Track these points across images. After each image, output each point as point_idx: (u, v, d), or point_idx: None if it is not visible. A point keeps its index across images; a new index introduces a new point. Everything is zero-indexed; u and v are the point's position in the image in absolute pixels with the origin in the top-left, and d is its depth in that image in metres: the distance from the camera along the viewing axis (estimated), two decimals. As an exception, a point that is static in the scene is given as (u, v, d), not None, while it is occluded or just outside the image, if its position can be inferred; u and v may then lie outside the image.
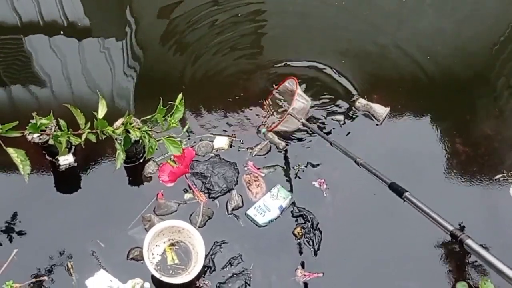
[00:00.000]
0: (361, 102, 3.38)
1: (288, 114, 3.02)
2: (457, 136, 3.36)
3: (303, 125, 3.10)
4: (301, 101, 3.10)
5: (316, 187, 3.03)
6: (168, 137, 1.74)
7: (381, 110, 3.33)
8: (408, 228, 2.90)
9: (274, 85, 3.44)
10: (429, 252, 2.89)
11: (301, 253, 2.80)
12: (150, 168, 3.00)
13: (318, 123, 3.30)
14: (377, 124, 3.33)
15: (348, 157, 2.46)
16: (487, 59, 3.86)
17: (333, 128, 3.30)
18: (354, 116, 3.36)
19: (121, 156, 1.65)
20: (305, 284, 2.71)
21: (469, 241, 1.52)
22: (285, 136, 3.21)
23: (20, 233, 2.75)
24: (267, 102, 3.39)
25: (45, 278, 1.69)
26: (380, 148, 3.24)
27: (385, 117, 3.34)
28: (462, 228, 2.98)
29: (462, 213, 3.03)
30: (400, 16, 4.01)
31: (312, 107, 3.30)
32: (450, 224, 1.66)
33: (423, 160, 3.24)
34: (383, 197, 2.93)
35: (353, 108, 3.39)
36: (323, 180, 3.03)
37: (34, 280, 1.67)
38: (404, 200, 1.91)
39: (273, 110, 3.36)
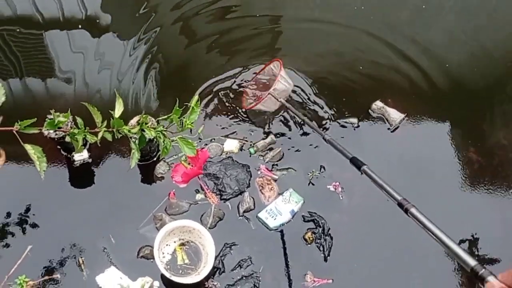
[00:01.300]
0: (378, 104, 3.36)
1: (268, 93, 3.04)
2: (471, 145, 3.32)
3: (287, 108, 3.12)
4: (283, 83, 3.13)
5: (332, 190, 3.01)
6: (183, 138, 1.74)
7: (396, 115, 3.31)
8: (423, 237, 2.86)
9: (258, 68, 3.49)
10: (443, 263, 2.86)
11: (311, 258, 2.79)
12: (161, 168, 3.01)
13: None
14: (388, 128, 3.31)
15: (317, 132, 2.57)
16: (504, 67, 3.81)
17: (344, 127, 3.30)
18: (367, 120, 3.35)
19: (136, 155, 1.66)
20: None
21: (413, 210, 1.74)
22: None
23: (33, 226, 2.78)
24: (251, 83, 3.44)
25: (58, 276, 1.70)
26: (392, 153, 3.22)
27: (399, 123, 3.31)
28: (475, 240, 2.95)
29: (475, 223, 3.00)
30: (417, 21, 3.97)
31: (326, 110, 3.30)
32: (398, 194, 1.85)
33: (436, 168, 3.21)
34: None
35: (368, 110, 3.38)
36: (338, 183, 3.01)
37: (47, 277, 1.67)
38: (362, 173, 2.05)
39: (254, 93, 3.39)
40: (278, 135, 3.23)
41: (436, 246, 2.82)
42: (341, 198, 2.99)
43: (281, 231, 2.86)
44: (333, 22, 3.84)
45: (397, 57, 3.73)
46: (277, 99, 3.07)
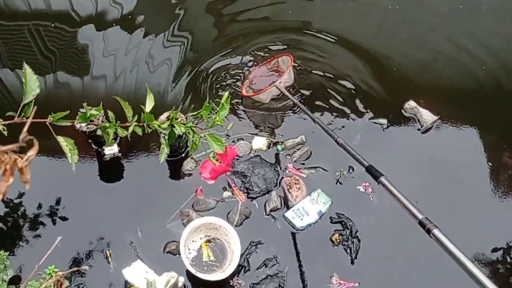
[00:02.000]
0: (410, 104, 3.29)
1: (274, 85, 3.13)
2: (506, 149, 3.21)
3: (294, 104, 3.17)
4: (288, 78, 3.23)
5: (362, 191, 2.96)
6: (212, 134, 1.73)
7: (428, 117, 3.23)
8: (454, 242, 2.79)
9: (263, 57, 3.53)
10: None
11: (337, 260, 2.75)
12: (188, 165, 3.02)
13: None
14: (419, 129, 3.24)
15: (330, 136, 2.49)
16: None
17: (373, 127, 3.24)
18: (397, 120, 3.28)
19: (165, 150, 1.66)
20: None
21: (436, 231, 1.61)
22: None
23: (63, 218, 2.84)
24: (254, 72, 3.47)
25: (86, 267, 1.72)
26: (422, 155, 3.15)
27: (431, 124, 3.23)
28: (510, 248, 2.85)
29: (509, 230, 2.90)
30: (454, 22, 3.87)
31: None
32: (420, 212, 1.71)
33: (468, 172, 3.11)
34: (430, 201, 2.88)
35: (401, 110, 3.31)
36: (368, 184, 2.96)
37: (75, 269, 1.70)
38: (379, 183, 1.93)
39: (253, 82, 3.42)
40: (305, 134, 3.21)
41: (470, 250, 2.76)
42: (371, 199, 2.93)
43: (308, 232, 2.82)
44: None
45: (431, 58, 3.65)
46: (284, 93, 3.12)
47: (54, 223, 2.82)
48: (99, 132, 1.49)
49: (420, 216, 1.68)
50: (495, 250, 2.84)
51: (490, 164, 3.15)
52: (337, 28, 3.78)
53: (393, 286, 2.69)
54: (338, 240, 2.79)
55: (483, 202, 3.01)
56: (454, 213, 2.92)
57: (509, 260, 2.82)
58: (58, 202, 2.90)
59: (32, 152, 0.75)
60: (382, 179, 1.93)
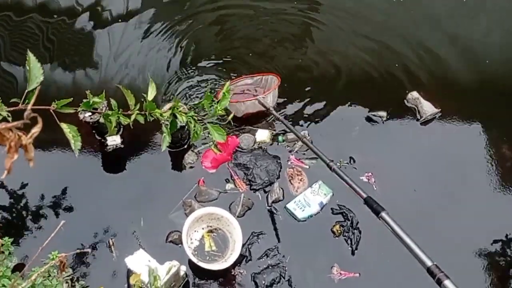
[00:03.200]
0: (413, 94, 3.32)
1: (256, 98, 3.08)
2: (505, 142, 3.22)
3: (277, 119, 3.06)
4: (271, 98, 3.14)
5: (365, 181, 2.98)
6: (213, 123, 1.75)
7: (429, 109, 3.25)
8: (454, 233, 2.81)
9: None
10: (474, 260, 2.79)
11: (338, 251, 2.77)
12: (189, 158, 3.04)
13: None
14: (418, 119, 3.25)
15: (319, 158, 2.39)
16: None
17: (375, 123, 3.26)
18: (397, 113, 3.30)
19: (167, 139, 1.68)
20: (341, 282, 2.67)
21: (446, 282, 1.50)
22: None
23: (67, 208, 2.87)
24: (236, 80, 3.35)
25: (88, 250, 1.75)
26: (421, 148, 3.17)
27: (430, 116, 3.25)
28: (509, 240, 2.86)
29: (508, 222, 2.91)
30: (457, 16, 3.87)
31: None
32: (429, 259, 1.60)
33: (468, 164, 3.13)
34: (429, 194, 2.93)
35: (401, 103, 3.34)
36: (371, 174, 2.97)
37: (78, 251, 1.72)
38: (379, 219, 1.79)
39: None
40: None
41: (471, 242, 2.78)
42: (374, 188, 2.95)
43: (309, 223, 2.84)
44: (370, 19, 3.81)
45: (432, 53, 3.65)
46: (267, 108, 3.02)
47: (57, 214, 2.84)
48: (102, 120, 1.52)
49: (429, 263, 1.56)
50: (495, 242, 2.85)
51: (489, 156, 3.17)
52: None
53: (393, 277, 2.70)
54: (339, 231, 2.80)
55: (483, 194, 3.03)
56: (453, 205, 2.94)
57: (509, 252, 2.83)
58: (62, 192, 2.92)
59: (36, 129, 0.77)
60: (384, 214, 1.77)
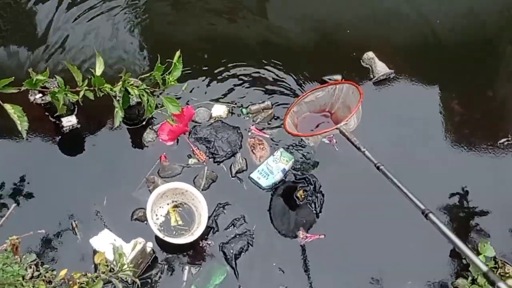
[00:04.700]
0: (369, 54, 3.38)
1: (337, 127, 2.57)
2: (457, 99, 3.33)
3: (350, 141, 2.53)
4: (355, 121, 2.62)
5: (326, 143, 3.03)
6: (167, 95, 1.72)
7: (382, 68, 3.31)
8: (414, 192, 2.89)
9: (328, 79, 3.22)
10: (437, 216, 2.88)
11: (303, 215, 2.82)
12: (149, 136, 3.00)
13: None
14: (370, 79, 3.32)
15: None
16: (499, 22, 3.78)
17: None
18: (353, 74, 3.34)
19: (119, 114, 1.64)
20: (307, 245, 2.73)
21: (431, 215, 1.87)
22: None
23: (26, 195, 2.78)
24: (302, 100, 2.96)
25: (43, 231, 1.71)
26: (379, 109, 3.22)
27: (383, 77, 3.31)
28: (466, 193, 2.97)
29: (463, 176, 3.03)
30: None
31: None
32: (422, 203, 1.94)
33: (425, 124, 3.23)
34: (391, 150, 3.01)
35: (360, 61, 3.39)
36: (332, 136, 3.02)
37: (31, 233, 1.69)
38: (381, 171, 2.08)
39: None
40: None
41: (430, 199, 2.88)
42: (336, 149, 3.01)
43: (274, 190, 2.88)
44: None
45: (389, 13, 3.69)
46: (350, 139, 2.49)
47: (17, 202, 2.75)
48: (49, 98, 1.47)
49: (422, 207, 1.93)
50: (453, 194, 2.97)
51: (445, 115, 3.27)
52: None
53: (357, 236, 2.78)
54: (302, 196, 2.85)
55: (437, 149, 3.14)
56: (409, 162, 3.03)
57: (465, 204, 2.95)
58: (20, 180, 2.83)
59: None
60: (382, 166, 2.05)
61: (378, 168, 2.22)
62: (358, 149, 2.40)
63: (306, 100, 2.94)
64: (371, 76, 3.34)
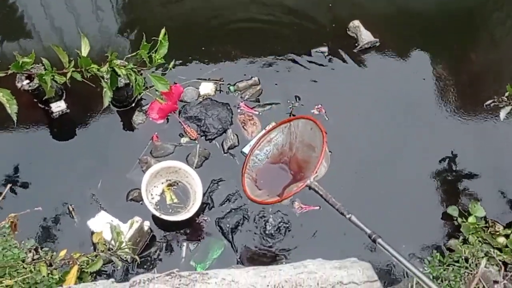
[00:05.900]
0: (354, 23, 3.40)
1: (305, 185, 2.24)
2: (441, 64, 3.37)
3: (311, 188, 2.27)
4: (325, 166, 2.36)
5: (316, 113, 3.05)
6: (154, 74, 1.73)
7: (367, 37, 3.33)
8: (404, 159, 2.97)
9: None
10: (423, 180, 2.95)
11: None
12: (138, 118, 3.00)
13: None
14: (355, 47, 3.34)
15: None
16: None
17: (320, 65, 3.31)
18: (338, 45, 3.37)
19: (108, 94, 1.65)
20: (302, 215, 2.78)
21: (379, 240, 1.88)
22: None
23: (21, 183, 2.79)
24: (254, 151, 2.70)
25: (40, 208, 1.73)
26: (366, 77, 3.27)
27: (368, 46, 3.34)
28: (454, 156, 3.02)
29: (455, 141, 3.08)
30: None
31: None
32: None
33: (411, 91, 3.25)
34: (381, 117, 3.08)
35: (345, 30, 3.42)
36: (320, 106, 3.04)
37: (28, 210, 1.71)
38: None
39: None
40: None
41: (420, 164, 2.92)
42: (326, 119, 3.05)
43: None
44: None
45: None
46: (322, 196, 2.20)
47: (14, 192, 2.76)
48: (36, 81, 1.47)
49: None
50: (443, 160, 3.01)
51: (425, 79, 3.31)
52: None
53: (350, 204, 2.76)
54: (296, 168, 2.88)
55: (423, 116, 3.18)
56: (396, 130, 3.07)
57: (455, 168, 3.00)
58: (15, 170, 2.83)
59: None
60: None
61: (374, 241, 1.93)
62: (342, 214, 2.12)
63: (261, 148, 2.68)
64: (356, 44, 3.35)
